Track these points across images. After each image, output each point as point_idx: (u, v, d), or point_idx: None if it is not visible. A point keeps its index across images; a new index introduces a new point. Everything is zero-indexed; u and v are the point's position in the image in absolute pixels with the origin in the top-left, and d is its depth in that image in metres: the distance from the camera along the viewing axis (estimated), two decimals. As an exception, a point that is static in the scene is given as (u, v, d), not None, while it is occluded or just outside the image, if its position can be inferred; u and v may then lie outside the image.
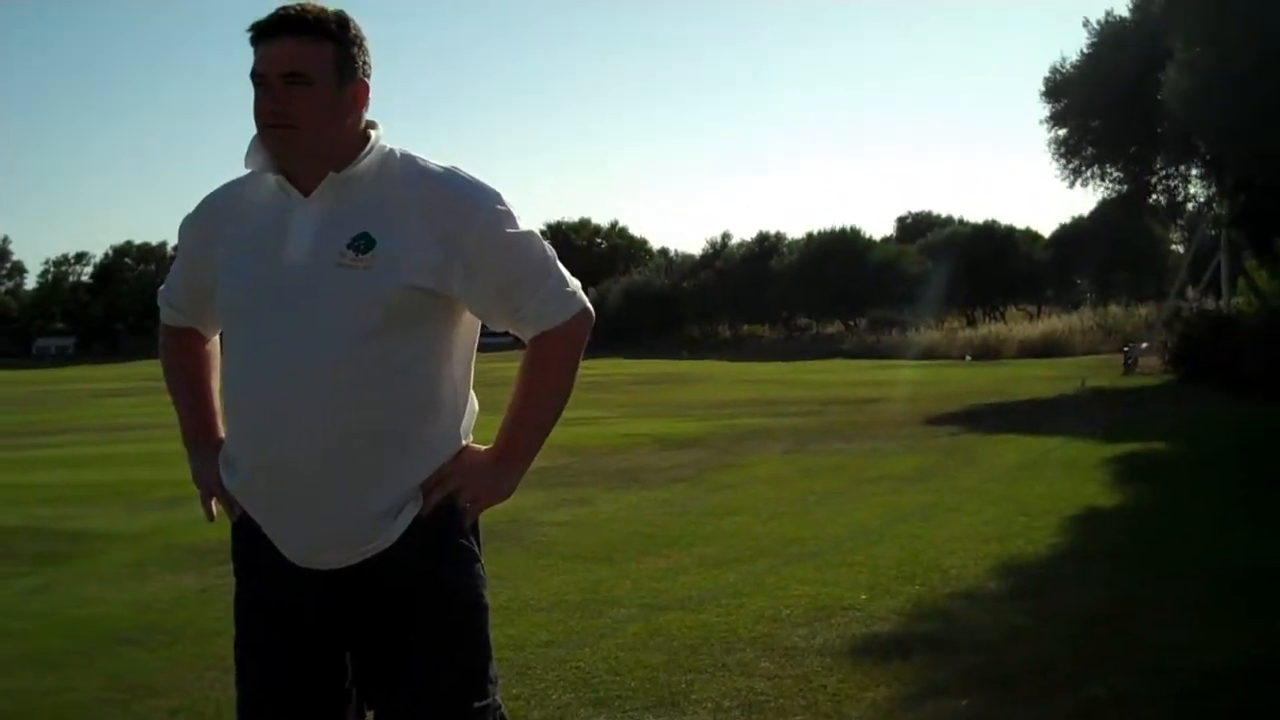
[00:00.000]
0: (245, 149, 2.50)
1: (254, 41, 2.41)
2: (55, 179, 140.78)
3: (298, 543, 2.50)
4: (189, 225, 2.66)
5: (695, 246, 74.16)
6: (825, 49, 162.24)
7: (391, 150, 2.51)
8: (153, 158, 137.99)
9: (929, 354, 37.37)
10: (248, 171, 2.53)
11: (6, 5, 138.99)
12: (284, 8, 2.40)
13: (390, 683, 2.53)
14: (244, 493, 2.56)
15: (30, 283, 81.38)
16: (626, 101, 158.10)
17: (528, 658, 5.30)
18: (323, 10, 2.42)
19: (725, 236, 57.54)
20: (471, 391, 2.65)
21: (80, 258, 77.27)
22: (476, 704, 2.52)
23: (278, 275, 2.43)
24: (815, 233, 52.68)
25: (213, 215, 2.62)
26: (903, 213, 75.48)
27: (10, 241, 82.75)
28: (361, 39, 2.47)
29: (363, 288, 2.37)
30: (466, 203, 2.45)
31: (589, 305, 2.60)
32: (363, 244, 2.39)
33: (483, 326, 2.63)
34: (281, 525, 2.51)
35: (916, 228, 65.21)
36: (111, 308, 69.95)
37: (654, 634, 5.68)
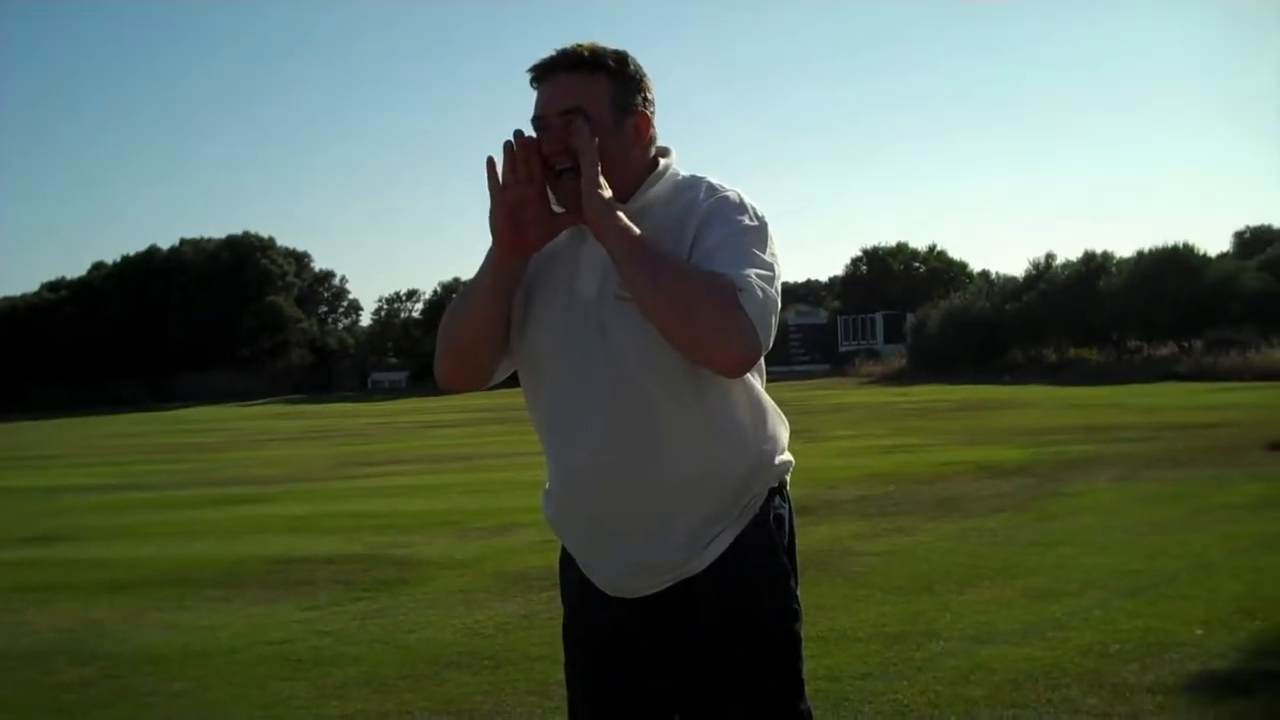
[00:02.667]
0: None
1: (533, 84, 2.44)
2: (388, 220, 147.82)
3: (607, 571, 2.52)
4: None
5: (1017, 268, 72.19)
6: (1160, 62, 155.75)
7: (684, 177, 2.50)
8: (481, 195, 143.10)
9: (1271, 375, 35.36)
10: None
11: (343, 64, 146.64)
12: (560, 48, 2.43)
13: (704, 712, 2.52)
14: (556, 523, 2.62)
15: (365, 319, 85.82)
16: (941, 123, 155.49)
17: (844, 689, 5.22)
18: (597, 46, 2.44)
19: (1049, 257, 55.63)
20: (777, 414, 2.61)
21: (411, 295, 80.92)
22: None
23: (571, 311, 2.46)
24: (1146, 250, 50.63)
25: None
26: (1240, 227, 71.75)
27: (347, 281, 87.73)
28: (642, 75, 2.48)
29: (640, 320, 2.34)
30: (728, 230, 2.37)
31: (759, 333, 2.29)
32: None
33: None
34: (590, 555, 2.54)
35: (1256, 242, 61.87)
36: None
37: (975, 668, 5.51)
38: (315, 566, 9.17)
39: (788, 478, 2.64)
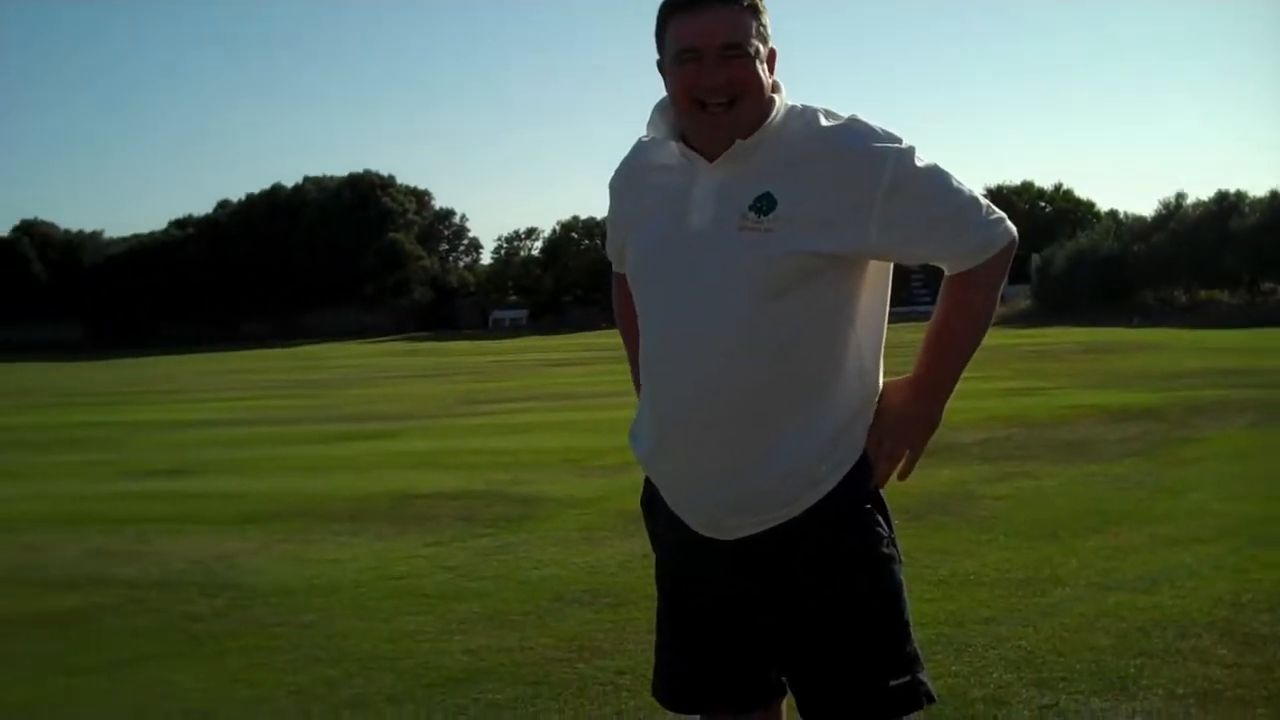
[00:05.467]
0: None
1: (673, 13, 2.42)
2: (507, 159, 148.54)
3: (700, 510, 2.50)
4: (610, 188, 2.73)
5: (1146, 208, 70.58)
6: None
7: (794, 107, 2.47)
8: (600, 135, 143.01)
9: None
10: (649, 138, 2.59)
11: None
12: None
13: (803, 659, 2.50)
14: (650, 459, 2.60)
15: (486, 258, 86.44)
16: (1069, 59, 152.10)
17: (968, 634, 5.15)
18: None
19: (1179, 196, 54.29)
20: (881, 356, 2.58)
21: (530, 233, 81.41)
22: (893, 682, 2.45)
23: (681, 241, 2.45)
24: (1281, 189, 49.22)
25: (622, 182, 2.69)
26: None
27: (468, 219, 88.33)
28: (764, 5, 2.44)
29: (765, 249, 2.36)
30: (873, 152, 2.37)
31: (1012, 230, 2.49)
32: (764, 205, 2.38)
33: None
34: (684, 492, 2.52)
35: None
36: (560, 280, 73.17)
37: (1102, 615, 5.42)
38: (439, 502, 9.28)
39: None
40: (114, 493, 10.88)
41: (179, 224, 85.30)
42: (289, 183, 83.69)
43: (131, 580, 7.11)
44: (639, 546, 7.22)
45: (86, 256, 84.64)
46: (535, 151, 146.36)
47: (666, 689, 2.72)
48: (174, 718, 4.78)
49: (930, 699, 2.50)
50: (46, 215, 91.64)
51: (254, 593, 6.64)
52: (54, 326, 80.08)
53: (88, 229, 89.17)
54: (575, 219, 75.62)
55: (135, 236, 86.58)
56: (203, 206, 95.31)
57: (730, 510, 2.46)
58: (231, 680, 5.16)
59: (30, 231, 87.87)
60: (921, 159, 2.40)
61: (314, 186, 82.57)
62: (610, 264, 2.87)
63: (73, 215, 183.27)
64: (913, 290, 59.11)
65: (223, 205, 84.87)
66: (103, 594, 6.79)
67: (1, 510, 10.07)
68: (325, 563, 7.32)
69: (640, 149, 2.65)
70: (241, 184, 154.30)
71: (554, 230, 77.73)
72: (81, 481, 11.87)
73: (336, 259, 76.07)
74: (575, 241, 74.57)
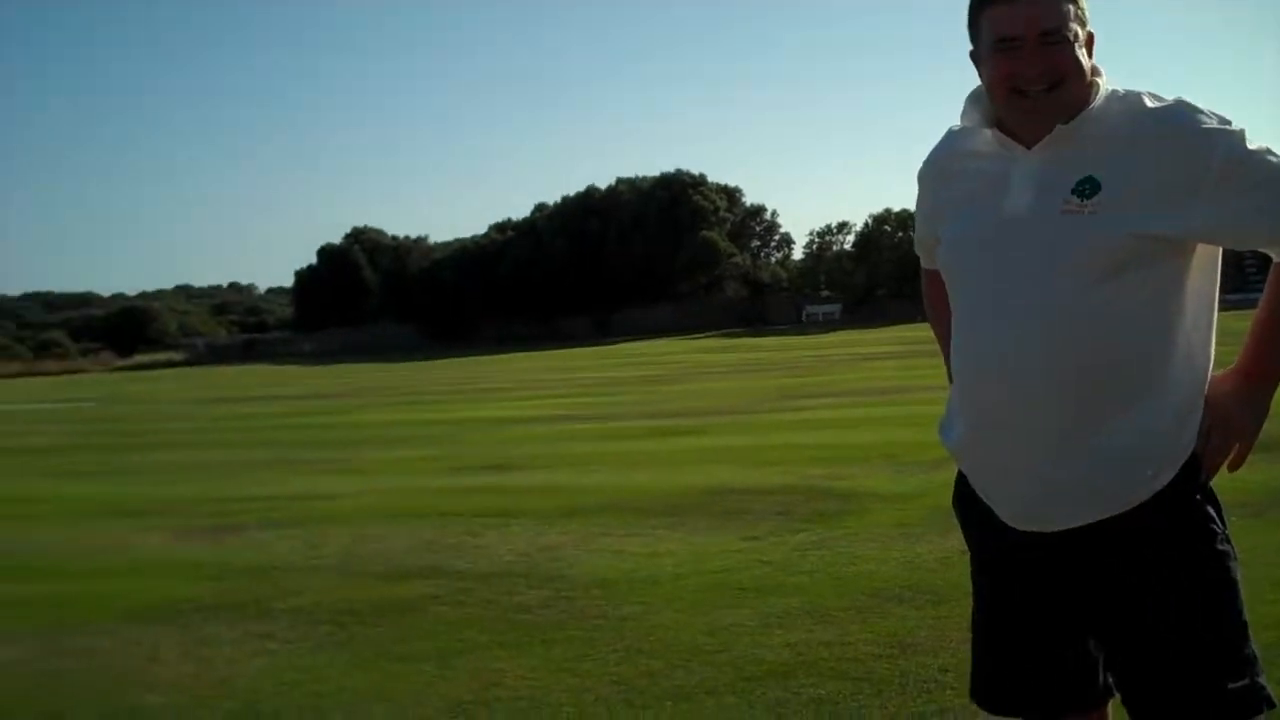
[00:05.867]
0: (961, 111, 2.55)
1: (988, 2, 2.38)
2: (816, 154, 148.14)
3: (1015, 501, 2.44)
4: (920, 178, 2.70)
5: None
6: None
7: (1114, 91, 2.39)
8: (910, 127, 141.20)
9: None
10: (960, 127, 2.55)
11: None
12: None
13: (1133, 660, 2.40)
14: (963, 449, 2.55)
15: (797, 253, 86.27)
16: None
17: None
18: None
19: None
20: (1212, 343, 2.46)
21: (842, 227, 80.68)
22: (1232, 685, 2.33)
23: (999, 227, 2.40)
24: None
25: (933, 171, 2.65)
26: None
27: (778, 215, 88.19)
28: None
29: (1088, 232, 2.29)
30: (1202, 133, 2.27)
31: None
32: (1087, 188, 2.30)
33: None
34: (998, 482, 2.46)
35: None
36: (873, 274, 72.48)
37: None
38: (754, 497, 9.30)
39: None
40: (443, 487, 11.31)
41: (499, 228, 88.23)
42: (602, 184, 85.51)
43: (460, 572, 7.37)
44: (957, 543, 7.03)
45: (413, 261, 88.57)
46: (844, 145, 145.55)
47: (985, 691, 2.65)
48: (502, 705, 4.92)
49: (1270, 704, 2.37)
50: (375, 223, 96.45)
51: (576, 585, 6.79)
52: (385, 328, 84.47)
53: (413, 235, 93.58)
54: (887, 211, 74.65)
55: (458, 241, 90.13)
56: (520, 210, 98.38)
57: (1048, 501, 2.39)
58: (557, 670, 5.28)
59: (360, 239, 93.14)
60: (1253, 142, 2.29)
61: (626, 187, 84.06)
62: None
63: (399, 222, 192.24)
64: (1247, 275, 56.34)
65: (539, 208, 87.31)
66: (433, 585, 7.06)
67: (340, 503, 10.61)
68: (644, 556, 7.43)
69: (951, 138, 2.61)
70: (557, 187, 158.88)
71: (866, 224, 76.90)
72: (413, 476, 12.40)
73: (649, 258, 77.27)
74: (888, 234, 73.66)
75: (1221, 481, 2.46)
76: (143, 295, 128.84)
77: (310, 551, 8.39)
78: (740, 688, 4.86)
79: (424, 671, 5.44)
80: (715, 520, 8.49)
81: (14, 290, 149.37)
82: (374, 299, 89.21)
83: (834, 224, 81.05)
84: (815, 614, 5.85)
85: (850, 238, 79.20)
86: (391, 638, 6.04)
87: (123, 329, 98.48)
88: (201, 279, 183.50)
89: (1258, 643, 2.41)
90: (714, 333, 64.67)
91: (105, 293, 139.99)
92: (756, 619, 5.83)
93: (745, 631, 5.64)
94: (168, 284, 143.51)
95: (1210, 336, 2.45)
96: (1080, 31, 2.33)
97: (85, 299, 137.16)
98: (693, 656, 5.31)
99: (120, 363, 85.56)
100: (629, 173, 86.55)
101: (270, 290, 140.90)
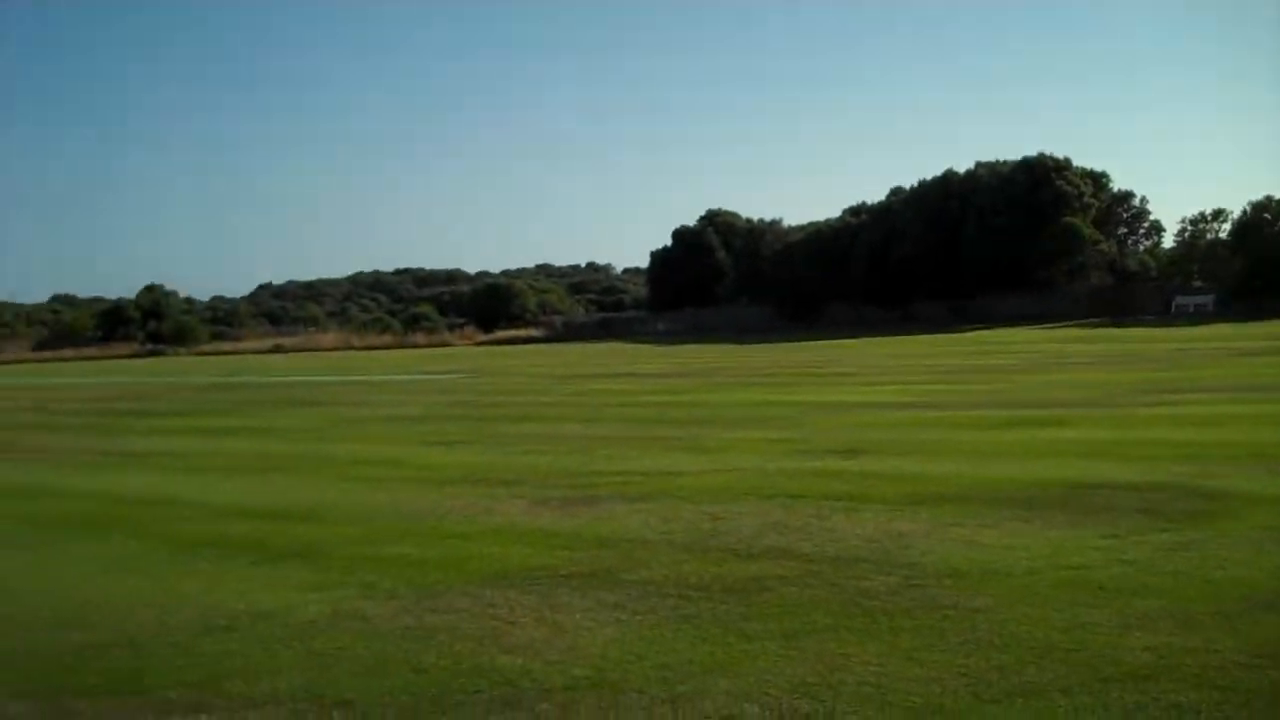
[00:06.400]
0: None
1: None
2: (1189, 137, 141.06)
3: None
4: None
5: None
6: None
7: None
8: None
9: None
10: None
11: None
12: None
13: None
14: None
15: (1168, 241, 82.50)
16: None
17: None
18: None
19: None
20: None
21: (1218, 215, 76.64)
22: None
23: None
24: None
25: None
26: None
27: (1148, 201, 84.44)
28: None
29: None
30: None
31: None
32: None
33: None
34: None
35: None
36: (1252, 264, 68.60)
37: None
38: (1116, 493, 8.96)
39: None
40: (792, 469, 11.34)
41: (853, 211, 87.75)
42: (961, 169, 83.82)
43: (808, 554, 7.38)
44: (1344, 550, 6.63)
45: (766, 244, 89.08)
46: (1221, 130, 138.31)
47: None
48: (847, 689, 4.90)
49: None
50: (730, 206, 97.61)
51: (926, 573, 6.70)
52: (737, 309, 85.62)
53: (767, 218, 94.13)
54: (1269, 199, 70.48)
55: (812, 224, 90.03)
56: (876, 194, 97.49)
57: None
58: (904, 658, 5.22)
59: (714, 221, 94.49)
60: None
61: (986, 171, 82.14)
62: None
63: (753, 205, 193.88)
64: (1253, 285, 50.30)
65: (895, 192, 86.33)
66: (781, 565, 7.09)
67: (691, 481, 10.77)
68: (997, 548, 7.26)
69: None
70: (914, 171, 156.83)
71: (1244, 211, 72.78)
72: (763, 457, 12.46)
73: (1008, 243, 75.32)
74: (1269, 223, 69.54)
75: None
76: (505, 273, 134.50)
77: (661, 526, 8.55)
78: (1096, 688, 4.71)
79: (769, 650, 5.47)
80: (1073, 515, 8.21)
81: (387, 266, 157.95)
82: (727, 280, 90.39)
83: (1209, 211, 77.08)
84: (1179, 618, 5.59)
85: (1226, 225, 75.17)
86: (738, 615, 6.09)
87: (486, 305, 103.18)
88: (561, 259, 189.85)
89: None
90: (1074, 322, 62.61)
91: (471, 270, 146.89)
92: (1115, 619, 5.62)
93: (1103, 631, 5.45)
94: (529, 263, 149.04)
95: None
96: None
97: (452, 275, 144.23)
98: (1046, 653, 5.17)
99: (483, 337, 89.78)
100: (990, 157, 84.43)
101: (626, 270, 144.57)
